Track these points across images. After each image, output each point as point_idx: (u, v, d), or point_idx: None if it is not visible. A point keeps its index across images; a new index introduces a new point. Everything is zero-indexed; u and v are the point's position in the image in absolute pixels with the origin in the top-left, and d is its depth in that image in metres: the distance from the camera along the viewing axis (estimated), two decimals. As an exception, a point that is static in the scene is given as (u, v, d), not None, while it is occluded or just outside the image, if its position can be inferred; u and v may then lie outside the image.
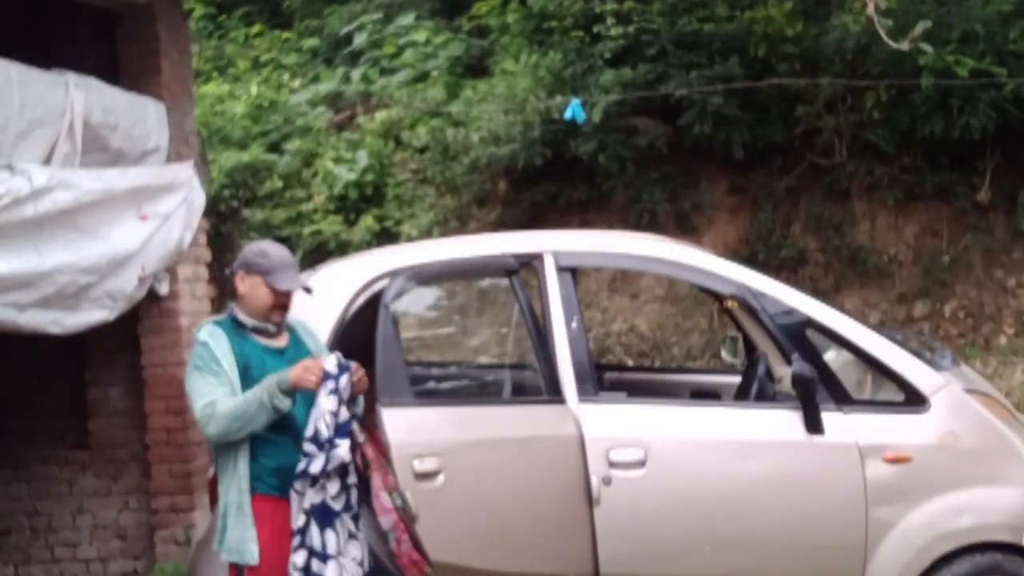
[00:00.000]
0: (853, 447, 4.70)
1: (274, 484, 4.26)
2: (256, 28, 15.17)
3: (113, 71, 6.92)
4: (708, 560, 4.71)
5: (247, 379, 4.27)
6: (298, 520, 4.19)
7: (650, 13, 10.61)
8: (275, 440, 4.25)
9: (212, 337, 4.31)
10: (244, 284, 4.39)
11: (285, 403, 4.15)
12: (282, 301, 4.40)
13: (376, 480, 5.19)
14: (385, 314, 4.48)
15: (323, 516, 4.19)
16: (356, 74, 13.19)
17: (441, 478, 4.38)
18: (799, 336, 4.87)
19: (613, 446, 4.66)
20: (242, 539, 4.23)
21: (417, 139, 11.72)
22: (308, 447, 4.14)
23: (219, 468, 4.36)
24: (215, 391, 4.20)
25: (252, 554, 4.22)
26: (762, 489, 4.72)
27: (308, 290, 4.51)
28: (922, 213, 10.55)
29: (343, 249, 10.73)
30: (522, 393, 5.37)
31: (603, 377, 5.85)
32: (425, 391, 5.46)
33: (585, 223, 10.68)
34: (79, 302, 6.08)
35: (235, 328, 4.39)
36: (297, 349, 4.45)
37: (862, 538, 4.68)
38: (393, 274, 4.84)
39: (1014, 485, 4.75)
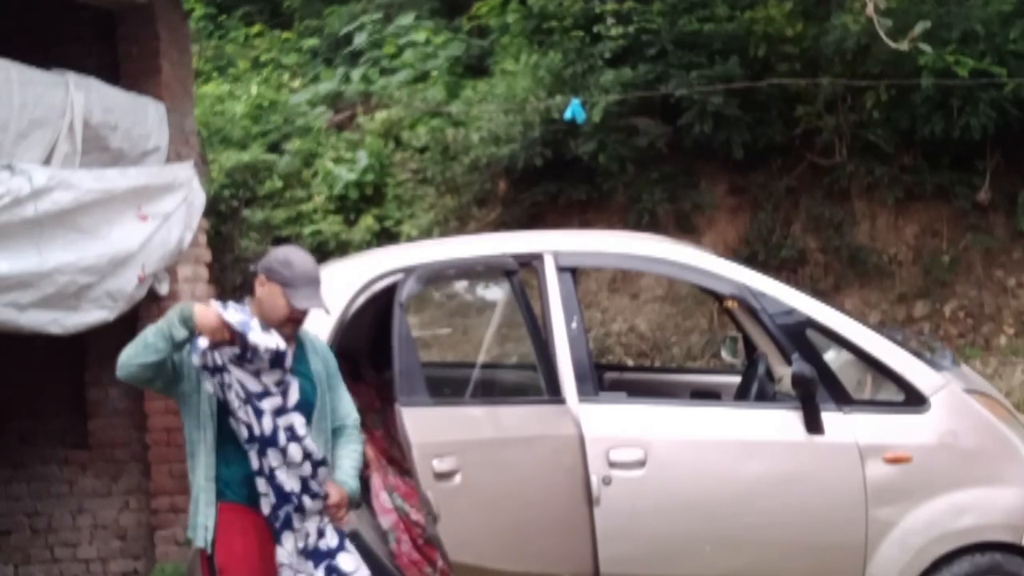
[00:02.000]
0: (853, 447, 4.70)
1: (243, 494, 4.12)
2: (256, 28, 15.15)
3: (113, 71, 6.92)
4: (708, 560, 4.71)
5: None
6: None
7: (650, 13, 10.59)
8: (244, 448, 4.11)
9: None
10: (263, 289, 4.21)
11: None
12: (296, 316, 4.21)
13: (376, 480, 5.19)
14: (400, 314, 4.48)
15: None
16: (356, 74, 13.17)
17: (458, 478, 4.39)
18: (799, 336, 4.87)
19: (613, 446, 4.67)
20: (203, 522, 4.11)
21: (417, 139, 11.70)
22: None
23: (189, 456, 4.23)
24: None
25: (205, 538, 4.10)
26: (762, 489, 4.73)
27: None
28: (922, 213, 10.54)
29: (343, 249, 10.71)
30: (522, 393, 5.37)
31: (603, 377, 5.85)
32: (437, 390, 5.46)
33: (585, 223, 10.67)
34: (79, 302, 6.08)
35: None
36: (302, 364, 4.27)
37: (862, 538, 4.68)
38: (393, 274, 4.83)
39: (1014, 485, 4.76)
